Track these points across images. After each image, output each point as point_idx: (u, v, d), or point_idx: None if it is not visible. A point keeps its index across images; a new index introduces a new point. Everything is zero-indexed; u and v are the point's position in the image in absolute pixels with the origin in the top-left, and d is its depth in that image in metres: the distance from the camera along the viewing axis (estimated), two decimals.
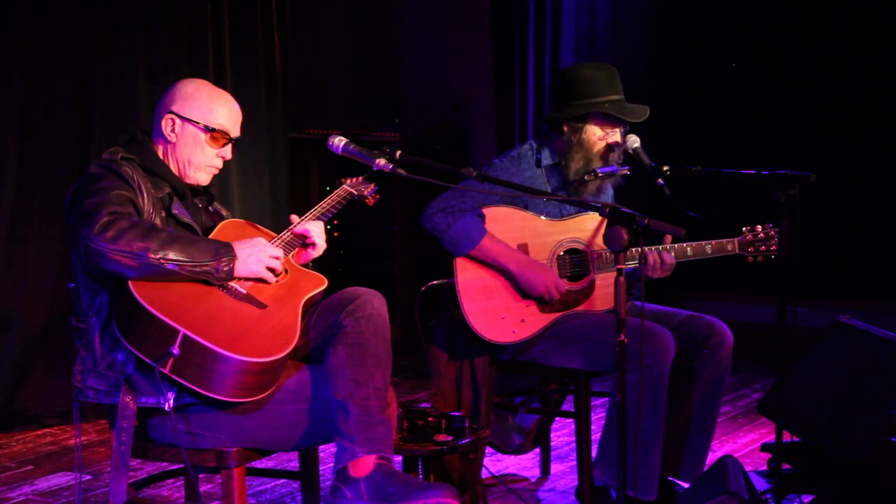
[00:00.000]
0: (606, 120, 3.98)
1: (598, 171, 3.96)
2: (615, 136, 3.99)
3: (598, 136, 3.99)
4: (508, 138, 7.35)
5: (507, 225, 3.92)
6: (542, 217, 3.98)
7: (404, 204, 7.17)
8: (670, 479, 4.03)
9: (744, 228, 4.04)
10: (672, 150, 4.67)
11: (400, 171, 3.24)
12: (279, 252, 3.25)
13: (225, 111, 3.36)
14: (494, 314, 3.88)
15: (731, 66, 7.42)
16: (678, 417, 3.97)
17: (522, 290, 3.90)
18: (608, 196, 4.18)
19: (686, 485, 3.98)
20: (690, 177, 3.85)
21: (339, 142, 3.31)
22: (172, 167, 3.35)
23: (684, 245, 3.97)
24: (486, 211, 3.91)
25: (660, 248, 3.92)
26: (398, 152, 3.27)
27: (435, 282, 3.90)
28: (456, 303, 3.87)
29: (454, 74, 7.87)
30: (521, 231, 3.94)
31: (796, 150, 6.98)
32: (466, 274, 3.88)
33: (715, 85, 7.45)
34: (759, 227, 4.04)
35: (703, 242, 4.00)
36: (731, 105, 7.43)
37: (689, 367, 3.93)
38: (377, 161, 3.24)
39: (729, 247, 4.03)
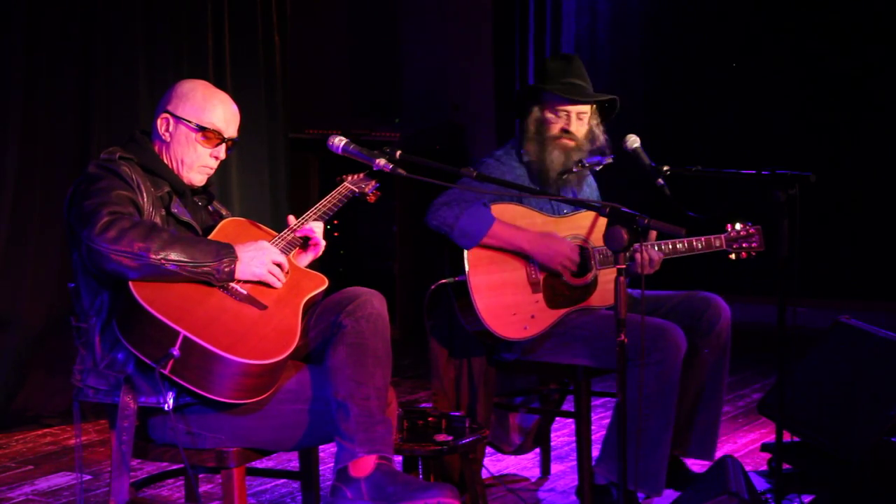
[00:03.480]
0: (553, 101, 3.99)
1: (585, 161, 3.99)
2: (569, 118, 3.99)
3: (548, 119, 4.00)
4: (508, 138, 7.34)
5: (510, 221, 3.92)
6: (541, 214, 3.99)
7: (404, 204, 7.17)
8: (678, 456, 4.05)
9: (727, 226, 4.07)
10: (672, 150, 4.66)
11: (400, 170, 3.24)
12: (283, 259, 3.24)
13: (218, 110, 3.34)
14: (506, 311, 3.88)
15: (731, 66, 7.42)
16: (685, 396, 3.97)
17: (533, 278, 3.90)
18: (591, 187, 4.20)
19: (697, 462, 3.98)
20: (690, 177, 3.86)
21: (339, 142, 3.31)
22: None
23: (675, 241, 3.99)
24: (490, 206, 3.92)
25: (648, 244, 3.93)
26: (398, 152, 3.27)
27: (445, 280, 3.90)
28: (461, 300, 3.86)
29: (454, 74, 7.86)
30: (525, 226, 3.95)
31: (796, 150, 6.98)
32: (477, 271, 3.87)
33: (715, 85, 7.45)
34: (739, 225, 4.06)
35: (693, 238, 4.02)
36: (731, 105, 7.43)
37: (690, 345, 3.93)
38: (377, 161, 3.24)
39: (717, 243, 4.06)
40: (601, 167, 4.07)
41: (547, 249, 3.90)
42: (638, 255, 3.80)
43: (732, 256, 4.07)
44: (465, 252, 3.86)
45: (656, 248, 3.95)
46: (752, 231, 4.05)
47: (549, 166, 4.01)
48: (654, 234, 3.94)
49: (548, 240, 3.91)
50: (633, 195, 4.21)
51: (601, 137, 4.04)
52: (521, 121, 4.12)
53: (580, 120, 4.01)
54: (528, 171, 4.05)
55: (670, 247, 3.99)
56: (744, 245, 4.06)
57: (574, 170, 3.99)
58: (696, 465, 4.15)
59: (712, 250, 4.06)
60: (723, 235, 4.06)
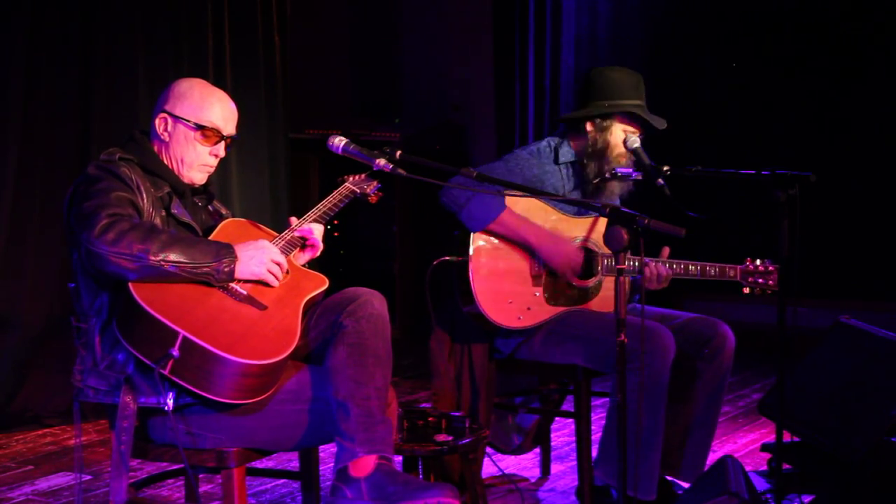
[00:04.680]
0: (631, 122, 4.00)
1: (618, 171, 3.98)
2: (635, 140, 4.00)
3: (621, 138, 4.01)
4: (508, 138, 7.35)
5: (525, 214, 3.93)
6: (557, 211, 3.99)
7: (404, 204, 7.17)
8: (670, 479, 4.04)
9: (747, 259, 4.06)
10: (672, 150, 4.66)
11: (400, 171, 3.24)
12: (282, 258, 3.24)
13: (216, 108, 3.34)
14: (503, 297, 3.90)
15: (731, 66, 7.42)
16: (680, 418, 3.98)
17: (536, 272, 3.91)
18: (617, 201, 4.19)
19: (686, 484, 3.99)
20: (690, 177, 3.86)
21: (339, 142, 3.30)
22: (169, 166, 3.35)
23: (688, 263, 3.98)
24: (507, 197, 3.92)
25: (658, 260, 3.93)
26: (398, 152, 3.26)
27: (448, 257, 3.91)
28: (461, 279, 3.87)
29: (454, 74, 7.87)
30: (539, 222, 3.95)
31: (796, 150, 6.98)
32: (480, 255, 3.89)
33: (715, 85, 7.45)
34: (758, 261, 4.05)
35: (707, 264, 4.02)
36: (731, 105, 7.43)
37: (691, 368, 3.94)
38: (377, 161, 3.24)
39: (731, 273, 4.05)
40: (630, 181, 4.07)
41: (553, 247, 3.91)
42: (646, 270, 3.81)
43: (746, 290, 4.06)
44: (473, 234, 3.87)
45: (667, 265, 3.94)
46: (770, 269, 4.04)
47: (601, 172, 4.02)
48: (666, 251, 3.95)
49: (554, 239, 3.92)
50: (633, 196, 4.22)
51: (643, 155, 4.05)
52: (576, 130, 4.06)
53: (636, 137, 4.03)
54: (570, 171, 4.05)
55: (682, 267, 3.99)
56: (759, 281, 4.05)
57: (608, 176, 3.99)
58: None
59: (726, 279, 4.05)
60: (739, 267, 4.05)
